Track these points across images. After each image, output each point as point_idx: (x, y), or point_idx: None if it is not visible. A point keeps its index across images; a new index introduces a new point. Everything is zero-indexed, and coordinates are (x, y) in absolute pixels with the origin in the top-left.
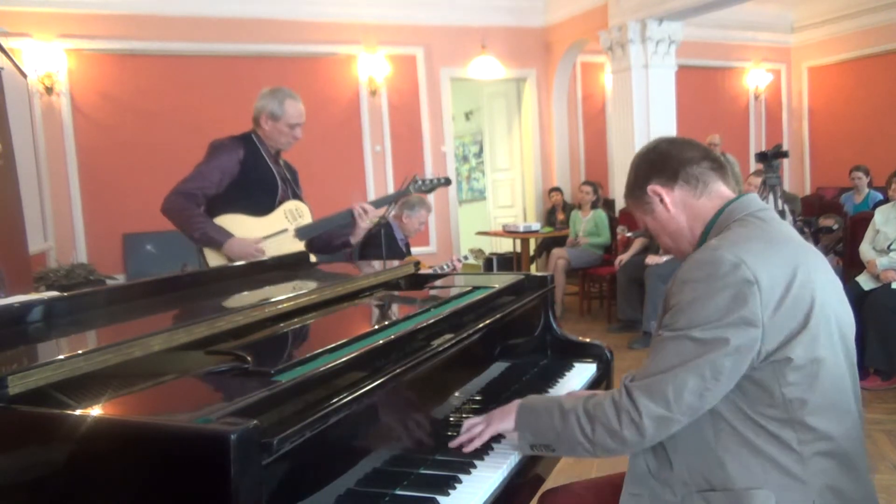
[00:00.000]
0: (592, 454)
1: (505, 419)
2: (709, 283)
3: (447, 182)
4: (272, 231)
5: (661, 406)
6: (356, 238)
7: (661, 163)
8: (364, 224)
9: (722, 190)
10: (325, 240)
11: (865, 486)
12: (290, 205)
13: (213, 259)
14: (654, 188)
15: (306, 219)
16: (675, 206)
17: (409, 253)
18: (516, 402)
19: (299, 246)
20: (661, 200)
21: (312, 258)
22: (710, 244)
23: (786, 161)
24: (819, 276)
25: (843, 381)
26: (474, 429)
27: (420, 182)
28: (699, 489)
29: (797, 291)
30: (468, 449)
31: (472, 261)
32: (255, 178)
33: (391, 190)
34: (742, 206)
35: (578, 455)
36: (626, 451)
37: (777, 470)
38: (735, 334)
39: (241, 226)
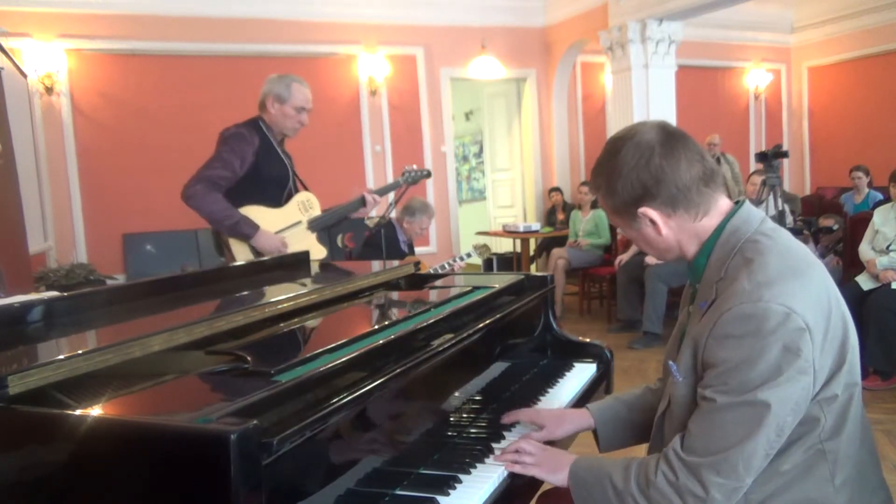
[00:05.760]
0: None
1: (556, 472)
2: (758, 339)
3: (428, 174)
4: (288, 223)
5: (733, 480)
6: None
7: (656, 186)
8: (370, 209)
9: (720, 204)
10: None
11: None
12: (303, 196)
13: (239, 250)
14: (645, 211)
15: (316, 210)
16: (668, 229)
17: (412, 252)
18: (569, 460)
19: (311, 238)
20: (652, 223)
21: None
22: (745, 291)
23: (786, 161)
24: (835, 292)
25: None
26: (525, 456)
27: (408, 173)
28: None
29: (834, 322)
30: (508, 468)
31: (475, 258)
32: (268, 168)
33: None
34: (743, 221)
35: None
36: None
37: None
38: (794, 388)
39: (261, 217)
